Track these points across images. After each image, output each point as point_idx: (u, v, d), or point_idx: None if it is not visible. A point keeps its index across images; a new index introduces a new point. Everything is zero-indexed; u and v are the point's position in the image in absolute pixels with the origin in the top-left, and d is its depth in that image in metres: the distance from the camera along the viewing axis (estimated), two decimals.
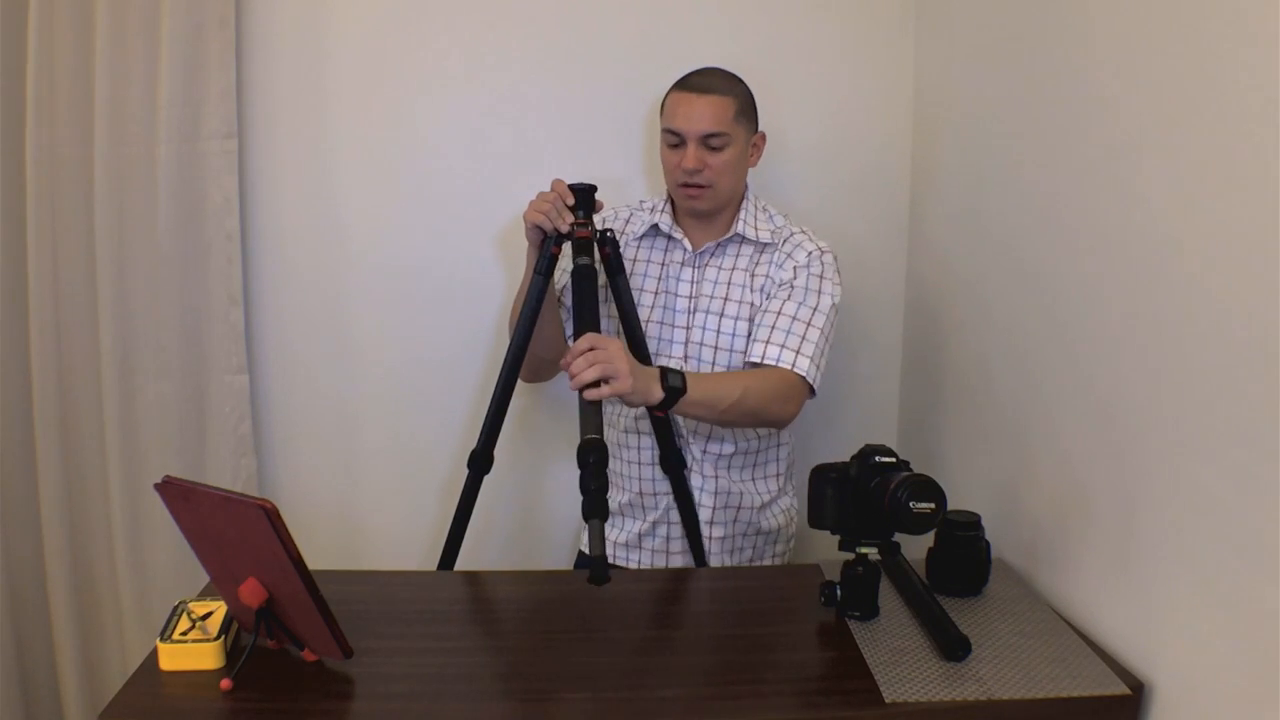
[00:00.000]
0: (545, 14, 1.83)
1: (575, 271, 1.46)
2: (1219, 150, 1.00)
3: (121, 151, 1.74)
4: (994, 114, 1.57)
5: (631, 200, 1.74)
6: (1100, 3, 1.24)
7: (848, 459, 1.24)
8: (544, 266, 1.50)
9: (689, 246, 1.63)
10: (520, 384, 1.58)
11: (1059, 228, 1.34)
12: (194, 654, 1.12)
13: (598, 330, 1.40)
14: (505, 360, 1.54)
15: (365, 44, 1.83)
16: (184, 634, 1.14)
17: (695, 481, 1.63)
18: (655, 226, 1.65)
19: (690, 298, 1.62)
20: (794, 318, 1.52)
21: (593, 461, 1.23)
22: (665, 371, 1.38)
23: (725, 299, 1.60)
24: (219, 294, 1.81)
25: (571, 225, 1.48)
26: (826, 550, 1.63)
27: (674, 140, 1.55)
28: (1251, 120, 0.94)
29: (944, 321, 1.79)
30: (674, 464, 1.59)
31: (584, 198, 1.50)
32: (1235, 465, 0.97)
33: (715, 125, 1.52)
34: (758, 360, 1.50)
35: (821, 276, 1.56)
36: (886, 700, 1.07)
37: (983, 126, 1.61)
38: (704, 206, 1.59)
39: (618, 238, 1.56)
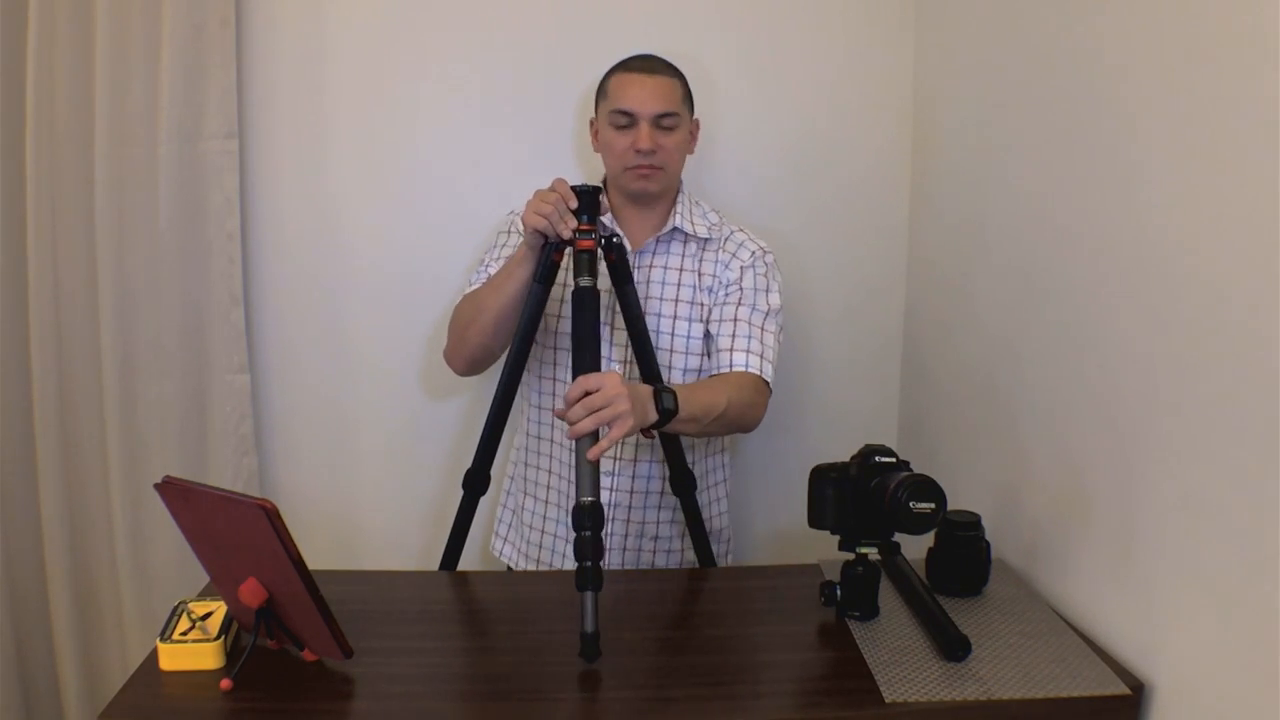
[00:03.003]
0: (545, 15, 1.83)
1: (576, 294, 1.33)
2: (1220, 152, 1.00)
3: (121, 151, 1.74)
4: (994, 114, 1.57)
5: None
6: (1102, 2, 1.24)
7: (848, 459, 1.24)
8: (544, 275, 1.42)
9: (629, 245, 1.58)
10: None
11: (1059, 228, 1.34)
12: (194, 654, 1.12)
13: (599, 364, 1.32)
14: (500, 379, 1.48)
15: (365, 44, 1.83)
16: (184, 634, 1.14)
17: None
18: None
19: (648, 298, 1.56)
20: (749, 323, 1.55)
21: (589, 532, 1.14)
22: (659, 392, 1.32)
23: (677, 300, 1.58)
24: (220, 294, 1.82)
25: (574, 232, 1.36)
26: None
27: (624, 121, 1.51)
28: (1253, 123, 0.94)
29: (944, 321, 1.79)
30: (685, 485, 1.53)
31: (588, 200, 1.37)
32: (1235, 465, 0.97)
33: (668, 105, 1.51)
34: (728, 368, 1.52)
35: (768, 277, 1.60)
36: (886, 700, 1.06)
37: (983, 127, 1.61)
38: (655, 188, 1.55)
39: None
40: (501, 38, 1.84)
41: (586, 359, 1.30)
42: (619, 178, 1.57)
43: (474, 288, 1.59)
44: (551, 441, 1.63)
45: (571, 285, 1.36)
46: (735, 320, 1.55)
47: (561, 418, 1.24)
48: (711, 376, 1.54)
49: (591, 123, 1.62)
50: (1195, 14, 1.03)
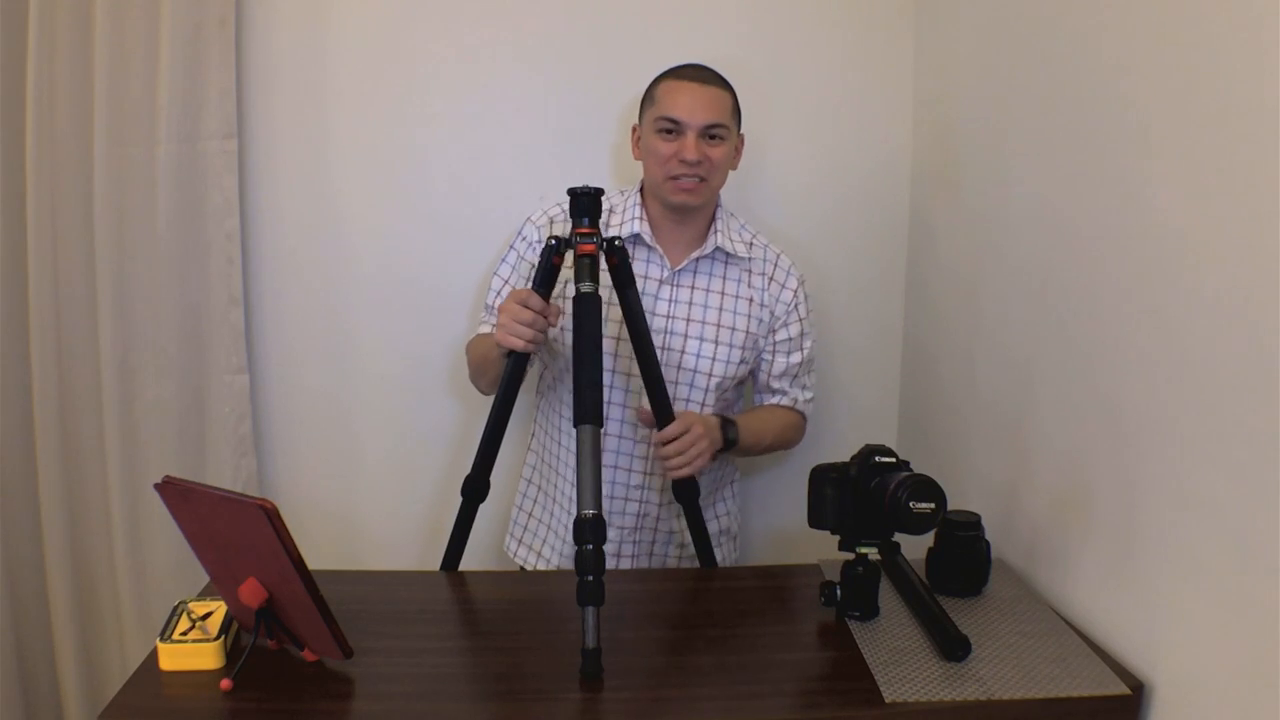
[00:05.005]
0: (545, 16, 1.83)
1: (578, 301, 1.30)
2: (1221, 151, 1.00)
3: (121, 151, 1.74)
4: (994, 114, 1.57)
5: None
6: (1102, 3, 1.24)
7: (848, 459, 1.24)
8: (543, 278, 1.38)
9: (668, 263, 1.57)
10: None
11: (1060, 228, 1.34)
12: (194, 654, 1.12)
13: (600, 370, 1.29)
14: (499, 385, 1.45)
15: (365, 44, 1.83)
16: (184, 634, 1.14)
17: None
18: (637, 237, 1.56)
19: (668, 317, 1.56)
20: (800, 364, 1.67)
21: (591, 547, 1.12)
22: (724, 424, 1.51)
23: (719, 325, 1.57)
24: (219, 294, 1.81)
25: (575, 235, 1.33)
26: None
27: (670, 128, 1.49)
28: (1253, 120, 0.94)
29: (944, 321, 1.79)
30: (689, 492, 1.51)
31: (589, 203, 1.33)
32: (1235, 465, 0.97)
33: (718, 116, 1.49)
34: (781, 405, 1.67)
35: (809, 314, 1.67)
36: (886, 700, 1.07)
37: (983, 127, 1.61)
38: (696, 201, 1.52)
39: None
40: (501, 37, 1.83)
41: (589, 367, 1.28)
42: (660, 187, 1.53)
43: (485, 325, 1.63)
44: (562, 447, 1.62)
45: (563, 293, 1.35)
46: (789, 362, 1.65)
47: (658, 453, 1.46)
48: (765, 409, 1.68)
49: (634, 129, 1.60)
50: (1199, 13, 1.03)
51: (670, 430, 1.43)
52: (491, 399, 1.48)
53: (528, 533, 1.72)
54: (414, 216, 1.89)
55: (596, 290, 1.30)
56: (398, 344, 1.92)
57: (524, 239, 1.62)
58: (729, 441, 1.52)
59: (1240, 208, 0.96)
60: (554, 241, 1.37)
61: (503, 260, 1.65)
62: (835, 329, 1.97)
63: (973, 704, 1.06)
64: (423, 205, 1.88)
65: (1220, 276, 0.99)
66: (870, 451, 1.21)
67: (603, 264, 1.36)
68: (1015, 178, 1.49)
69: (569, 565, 1.61)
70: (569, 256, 1.35)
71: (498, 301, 1.59)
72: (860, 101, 1.90)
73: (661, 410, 1.45)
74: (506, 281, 1.63)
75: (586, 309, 1.29)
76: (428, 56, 1.84)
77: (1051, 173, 1.37)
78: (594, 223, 1.34)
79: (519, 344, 1.37)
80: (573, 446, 1.59)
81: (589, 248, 1.32)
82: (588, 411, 1.24)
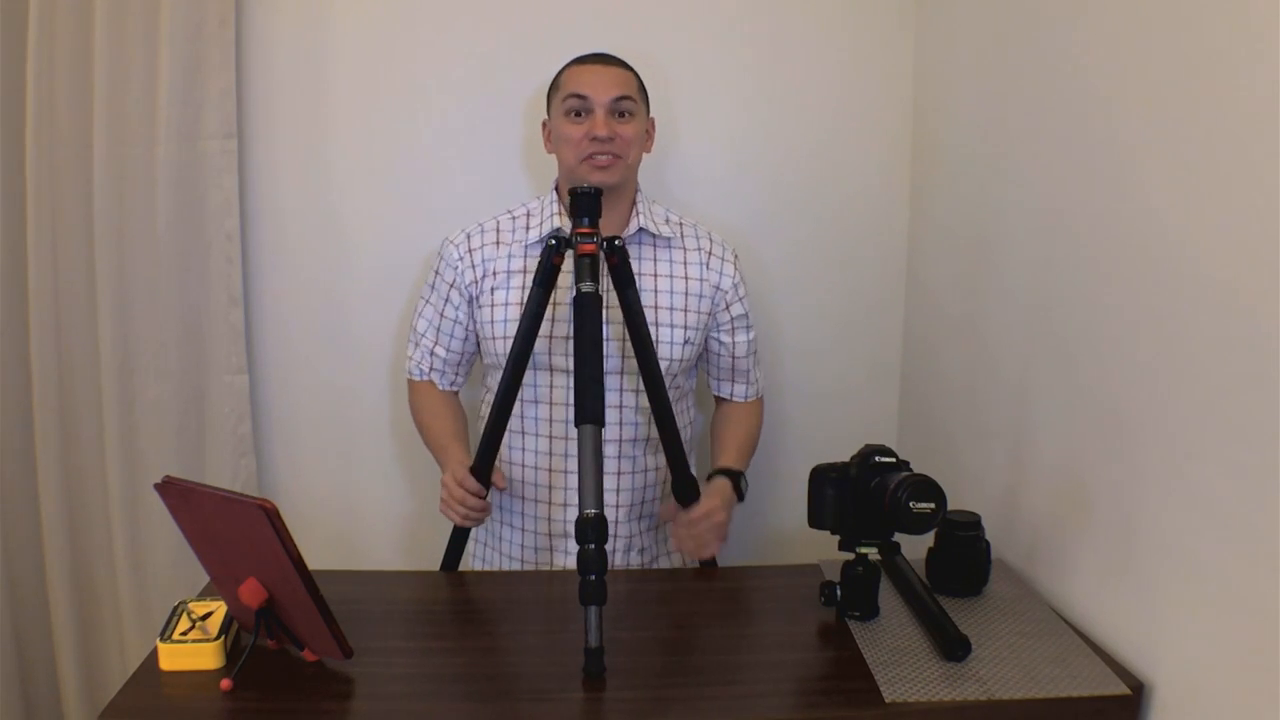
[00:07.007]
0: (546, 16, 1.83)
1: (578, 300, 1.28)
2: (1219, 151, 1.00)
3: (121, 151, 1.74)
4: (994, 115, 1.57)
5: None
6: (1102, 4, 1.24)
7: (848, 459, 1.24)
8: (544, 279, 1.38)
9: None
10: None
11: (1059, 228, 1.34)
12: (194, 654, 1.12)
13: (600, 369, 1.28)
14: (501, 382, 1.44)
15: (365, 44, 1.83)
16: (184, 634, 1.14)
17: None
18: (558, 230, 1.52)
19: (609, 307, 1.48)
20: (751, 356, 1.68)
21: (593, 546, 1.11)
22: (737, 481, 1.54)
23: (655, 306, 1.53)
24: (219, 294, 1.82)
25: (575, 235, 1.32)
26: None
27: (578, 106, 1.48)
28: (1252, 122, 0.94)
29: (944, 321, 1.79)
30: (688, 493, 1.49)
31: (589, 203, 1.33)
32: (1235, 465, 0.97)
33: (624, 90, 1.49)
34: (741, 399, 1.69)
35: (745, 290, 1.65)
36: (886, 700, 1.07)
37: (982, 127, 1.61)
38: (614, 179, 1.49)
39: (483, 246, 1.56)
40: (502, 37, 1.83)
41: (589, 366, 1.27)
42: (575, 172, 1.51)
43: (411, 362, 1.66)
44: (501, 460, 1.58)
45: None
46: (748, 355, 1.67)
47: (683, 542, 1.49)
48: (732, 417, 1.68)
49: (544, 125, 1.59)
50: (1198, 14, 1.03)
51: (697, 511, 1.47)
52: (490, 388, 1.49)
53: (488, 565, 1.69)
54: (414, 215, 1.89)
55: (597, 290, 1.30)
56: (397, 343, 1.91)
57: (444, 261, 1.60)
58: (743, 495, 1.56)
59: (1239, 208, 0.96)
60: (554, 242, 1.37)
61: (433, 273, 1.62)
62: (835, 329, 1.97)
63: (973, 704, 1.06)
64: (422, 204, 1.88)
65: (1219, 274, 0.99)
66: (870, 451, 1.21)
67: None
68: (1014, 177, 1.49)
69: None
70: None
71: (429, 333, 1.63)
72: (859, 103, 1.89)
73: (666, 422, 1.44)
74: (428, 302, 1.63)
75: (586, 309, 1.29)
76: (427, 56, 1.84)
77: (1050, 173, 1.36)
78: (594, 223, 1.34)
79: (468, 525, 1.50)
80: (513, 459, 1.59)
81: (589, 248, 1.32)
82: (588, 411, 1.23)
